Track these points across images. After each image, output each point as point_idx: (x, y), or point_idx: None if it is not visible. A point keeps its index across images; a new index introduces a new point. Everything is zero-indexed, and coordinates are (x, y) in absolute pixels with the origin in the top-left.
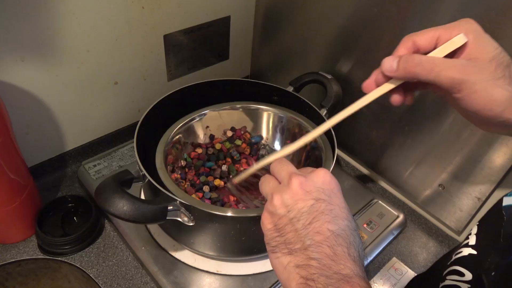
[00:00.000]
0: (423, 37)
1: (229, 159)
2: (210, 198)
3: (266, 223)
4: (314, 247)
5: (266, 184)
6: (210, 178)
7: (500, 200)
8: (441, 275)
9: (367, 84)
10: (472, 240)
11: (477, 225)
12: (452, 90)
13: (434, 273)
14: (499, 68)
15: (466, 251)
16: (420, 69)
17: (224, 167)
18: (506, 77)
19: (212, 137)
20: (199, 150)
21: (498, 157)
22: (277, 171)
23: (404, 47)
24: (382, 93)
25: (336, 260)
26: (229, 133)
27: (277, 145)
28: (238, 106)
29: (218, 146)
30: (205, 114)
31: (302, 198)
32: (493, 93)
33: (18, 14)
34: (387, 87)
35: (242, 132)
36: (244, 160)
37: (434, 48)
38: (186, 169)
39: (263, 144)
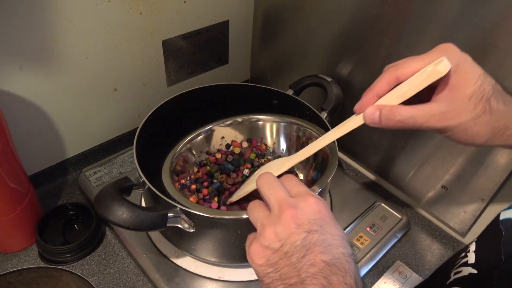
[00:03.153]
0: (405, 71)
1: (249, 165)
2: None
3: (256, 258)
4: (309, 279)
5: (256, 211)
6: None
7: (498, 216)
8: None
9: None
10: (472, 258)
11: (475, 241)
12: (437, 132)
13: None
14: (479, 106)
15: (466, 271)
16: (403, 124)
17: (246, 171)
18: (486, 112)
19: (228, 146)
20: (218, 155)
21: (501, 158)
22: (265, 194)
23: (385, 82)
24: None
25: None
26: (245, 144)
27: (281, 152)
28: (239, 119)
29: (237, 150)
30: (218, 126)
31: (295, 232)
32: (474, 131)
33: (16, 22)
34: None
35: (259, 144)
36: None
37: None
38: (197, 170)
39: (271, 152)
